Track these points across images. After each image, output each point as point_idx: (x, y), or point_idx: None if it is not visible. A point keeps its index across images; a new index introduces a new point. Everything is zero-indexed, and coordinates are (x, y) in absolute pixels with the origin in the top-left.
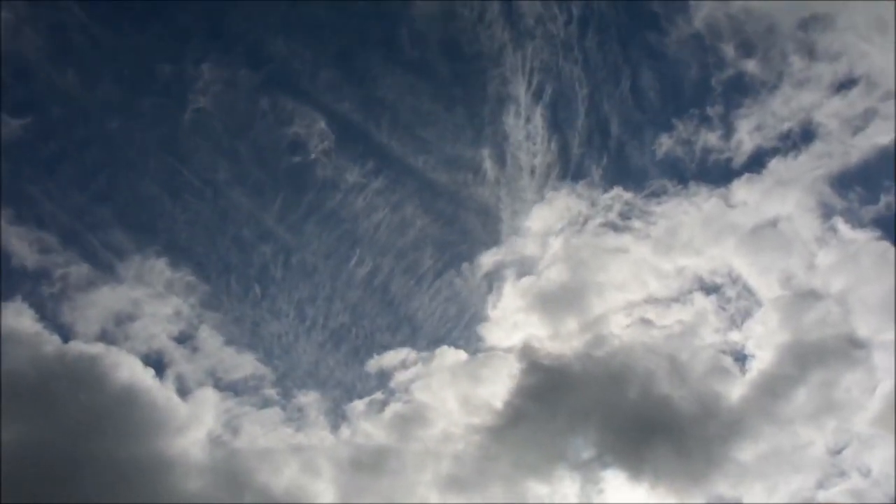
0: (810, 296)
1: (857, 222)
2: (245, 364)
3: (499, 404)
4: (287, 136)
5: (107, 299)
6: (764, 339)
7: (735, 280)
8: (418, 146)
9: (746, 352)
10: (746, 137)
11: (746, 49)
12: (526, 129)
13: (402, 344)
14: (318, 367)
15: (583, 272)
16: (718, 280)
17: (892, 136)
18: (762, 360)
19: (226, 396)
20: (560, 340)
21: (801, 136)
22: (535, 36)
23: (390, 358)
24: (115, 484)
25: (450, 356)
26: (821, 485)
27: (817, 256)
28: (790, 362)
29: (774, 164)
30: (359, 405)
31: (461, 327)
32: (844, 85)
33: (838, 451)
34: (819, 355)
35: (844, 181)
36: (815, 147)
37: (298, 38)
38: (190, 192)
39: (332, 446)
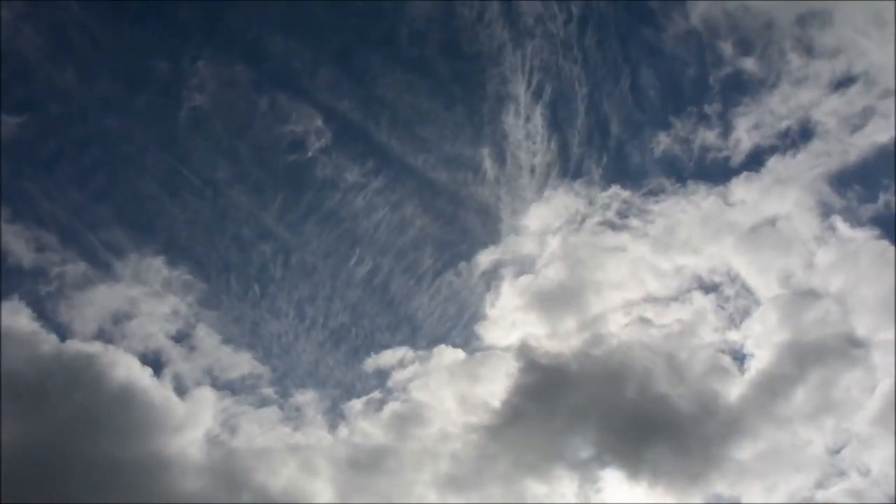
0: (809, 295)
1: (855, 221)
2: (242, 363)
3: (497, 403)
4: (286, 135)
5: (104, 298)
6: (763, 339)
7: (734, 279)
8: (418, 145)
9: (745, 351)
10: (745, 136)
11: (744, 47)
12: (525, 129)
13: (401, 343)
14: (317, 366)
15: (581, 271)
16: (717, 279)
17: (891, 134)
18: (761, 359)
19: (223, 395)
20: (558, 339)
21: (800, 135)
22: (534, 35)
23: (388, 357)
24: (112, 483)
25: (448, 355)
26: (820, 484)
27: (816, 255)
28: (789, 361)
29: (773, 162)
30: (357, 404)
31: (459, 326)
32: (843, 83)
33: (837, 451)
34: (818, 354)
35: (843, 180)
36: (813, 145)
37: (298, 37)
38: (188, 191)
39: (329, 446)
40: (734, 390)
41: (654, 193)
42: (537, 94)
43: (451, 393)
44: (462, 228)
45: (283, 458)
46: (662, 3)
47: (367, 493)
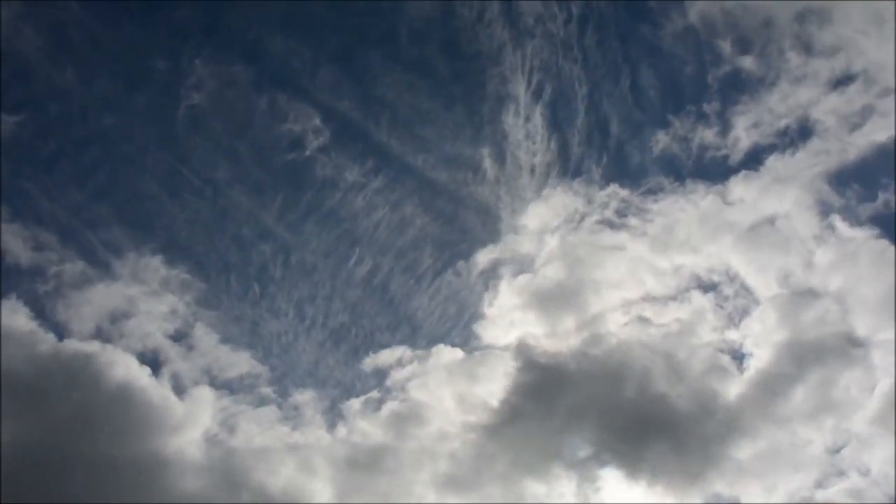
0: (808, 294)
1: (855, 220)
2: (241, 362)
3: (495, 403)
4: (286, 134)
5: (102, 297)
6: (762, 338)
7: (732, 278)
8: (418, 145)
9: (744, 350)
10: (743, 134)
11: (743, 45)
12: (525, 128)
13: (399, 342)
14: (315, 365)
15: (579, 270)
16: (716, 278)
17: (891, 133)
18: (760, 358)
19: (222, 395)
20: (557, 338)
21: (799, 133)
22: (534, 35)
23: (386, 356)
24: (110, 483)
25: (446, 354)
26: (819, 484)
27: (815, 254)
28: (788, 361)
29: (772, 161)
30: (355, 404)
31: (457, 326)
32: (842, 81)
33: (837, 451)
34: (817, 354)
35: (842, 179)
36: (812, 144)
37: (297, 36)
38: (188, 190)
39: (328, 445)
40: (733, 390)
41: (653, 192)
42: (537, 94)
43: (449, 392)
44: (462, 228)
45: (282, 457)
46: (661, 3)
47: (365, 492)
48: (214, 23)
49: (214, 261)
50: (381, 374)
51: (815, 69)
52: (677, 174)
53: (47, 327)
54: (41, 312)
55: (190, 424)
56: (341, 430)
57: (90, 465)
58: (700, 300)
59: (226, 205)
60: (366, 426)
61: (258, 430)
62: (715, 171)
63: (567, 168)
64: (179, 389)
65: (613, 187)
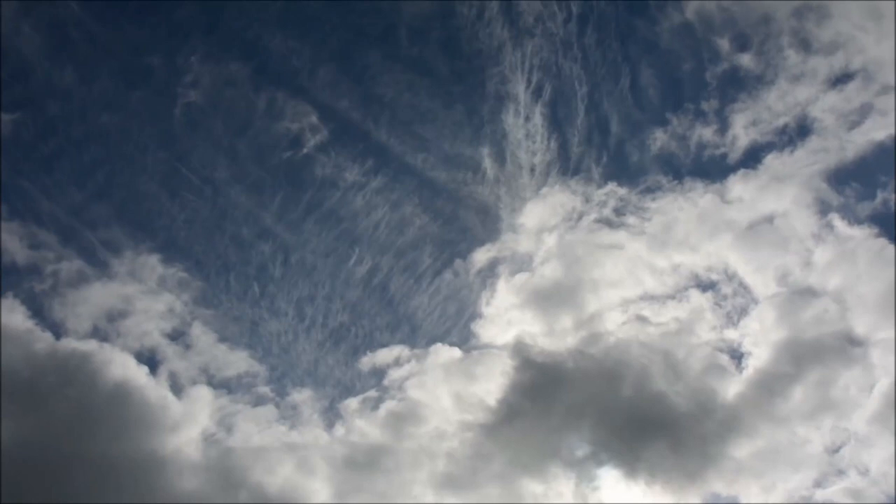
0: (807, 293)
1: (853, 219)
2: (238, 361)
3: (493, 402)
4: (286, 133)
5: (99, 296)
6: (760, 337)
7: (731, 277)
8: (417, 144)
9: (743, 349)
10: (742, 132)
11: (741, 42)
12: (525, 128)
13: (397, 342)
14: (313, 364)
15: (577, 269)
16: (714, 277)
17: (890, 131)
18: (759, 357)
19: (219, 394)
20: (555, 337)
21: (797, 132)
22: (534, 34)
23: (384, 355)
24: (107, 482)
25: (444, 353)
26: (819, 483)
27: (814, 253)
28: (787, 360)
29: (770, 159)
30: (353, 403)
31: (456, 325)
32: (841, 79)
33: (836, 450)
34: (816, 353)
35: (841, 177)
36: (811, 142)
37: (297, 35)
38: (186, 189)
39: (326, 444)
40: (732, 389)
41: (651, 191)
42: (537, 93)
43: (447, 391)
44: (462, 228)
45: (280, 456)
46: (659, 1)
47: (363, 491)
48: (214, 22)
49: (212, 259)
50: (378, 374)
51: (814, 67)
52: (676, 173)
53: (44, 326)
54: (38, 311)
55: (187, 424)
56: (339, 430)
57: (87, 465)
58: (698, 299)
59: (224, 204)
60: (364, 425)
61: (256, 429)
62: (713, 169)
63: (567, 167)
64: (177, 388)
65: (611, 186)
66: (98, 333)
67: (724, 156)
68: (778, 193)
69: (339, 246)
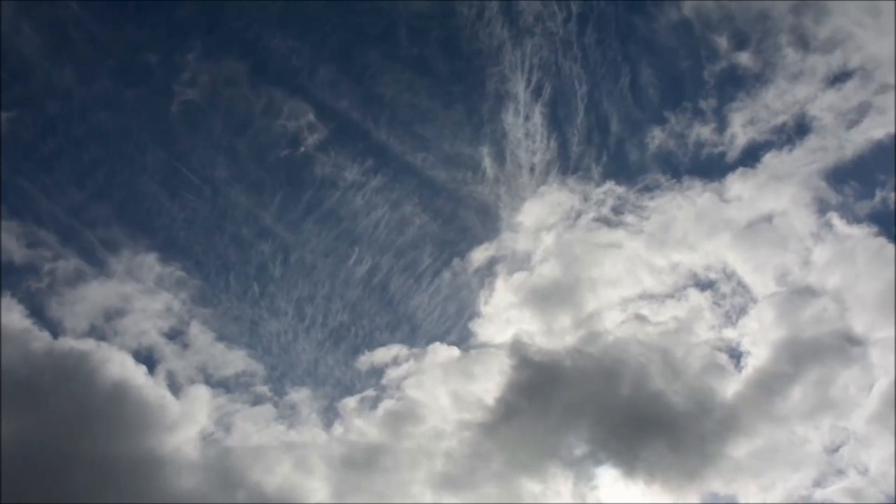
0: (806, 292)
1: (852, 218)
2: (236, 360)
3: (491, 401)
4: (285, 133)
5: (96, 294)
6: (759, 336)
7: (730, 276)
8: (417, 144)
9: (741, 348)
10: (740, 131)
11: (739, 41)
12: (525, 127)
13: (396, 341)
14: (311, 364)
15: (575, 267)
16: (713, 276)
17: (889, 129)
18: (757, 356)
19: (217, 393)
20: (553, 336)
21: (796, 130)
22: (534, 33)
23: (382, 354)
24: (106, 482)
25: (442, 352)
26: (818, 483)
27: (813, 252)
28: (786, 359)
29: (769, 158)
30: (351, 402)
31: (454, 324)
32: (839, 77)
33: (835, 449)
34: (815, 352)
35: (840, 176)
36: (809, 141)
37: (296, 34)
38: (185, 188)
39: (324, 443)
40: (730, 388)
41: (650, 189)
42: (537, 93)
43: (445, 390)
44: (462, 227)
45: (278, 456)
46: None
47: (361, 491)
48: (213, 21)
49: (211, 258)
50: (377, 373)
51: (812, 65)
52: (674, 171)
53: (42, 325)
54: (36, 310)
55: (185, 423)
56: (337, 429)
57: (85, 464)
58: (697, 298)
59: (223, 203)
60: (362, 424)
61: (254, 428)
62: (712, 168)
63: (567, 167)
64: (175, 388)
65: (609, 184)
66: (96, 332)
67: (723, 154)
68: (776, 192)
69: (339, 245)
